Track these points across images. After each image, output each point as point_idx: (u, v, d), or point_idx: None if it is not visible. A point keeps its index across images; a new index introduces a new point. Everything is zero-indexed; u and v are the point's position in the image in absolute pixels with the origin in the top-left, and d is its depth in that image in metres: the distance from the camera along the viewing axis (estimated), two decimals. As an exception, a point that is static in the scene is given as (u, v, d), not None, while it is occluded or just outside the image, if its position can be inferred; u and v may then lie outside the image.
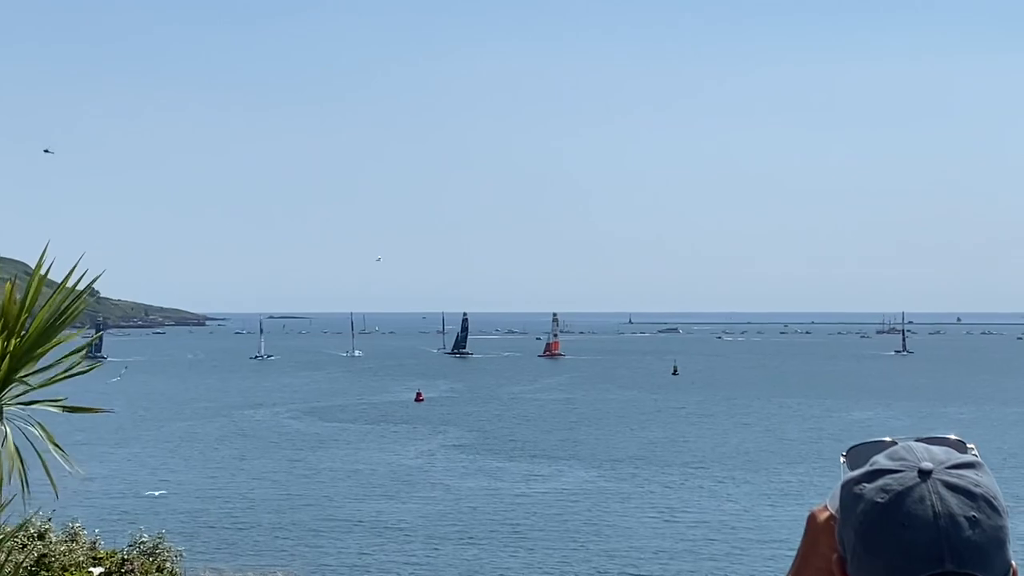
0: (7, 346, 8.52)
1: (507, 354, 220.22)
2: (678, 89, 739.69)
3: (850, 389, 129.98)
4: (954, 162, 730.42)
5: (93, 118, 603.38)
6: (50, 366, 8.86)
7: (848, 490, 2.20)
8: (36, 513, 15.51)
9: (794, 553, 2.38)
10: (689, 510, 54.58)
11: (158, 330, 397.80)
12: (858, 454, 2.30)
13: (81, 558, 18.27)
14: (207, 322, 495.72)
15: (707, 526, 50.67)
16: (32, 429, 8.70)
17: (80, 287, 9.10)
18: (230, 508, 55.01)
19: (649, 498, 58.16)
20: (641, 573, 42.55)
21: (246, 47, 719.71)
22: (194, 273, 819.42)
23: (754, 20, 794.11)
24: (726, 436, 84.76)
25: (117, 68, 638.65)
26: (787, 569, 2.37)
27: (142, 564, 19.18)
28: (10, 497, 8.58)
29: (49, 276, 9.10)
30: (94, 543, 20.01)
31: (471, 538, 48.26)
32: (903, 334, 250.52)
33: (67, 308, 8.88)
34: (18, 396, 8.69)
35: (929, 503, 2.09)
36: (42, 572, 17.10)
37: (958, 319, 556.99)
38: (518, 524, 51.13)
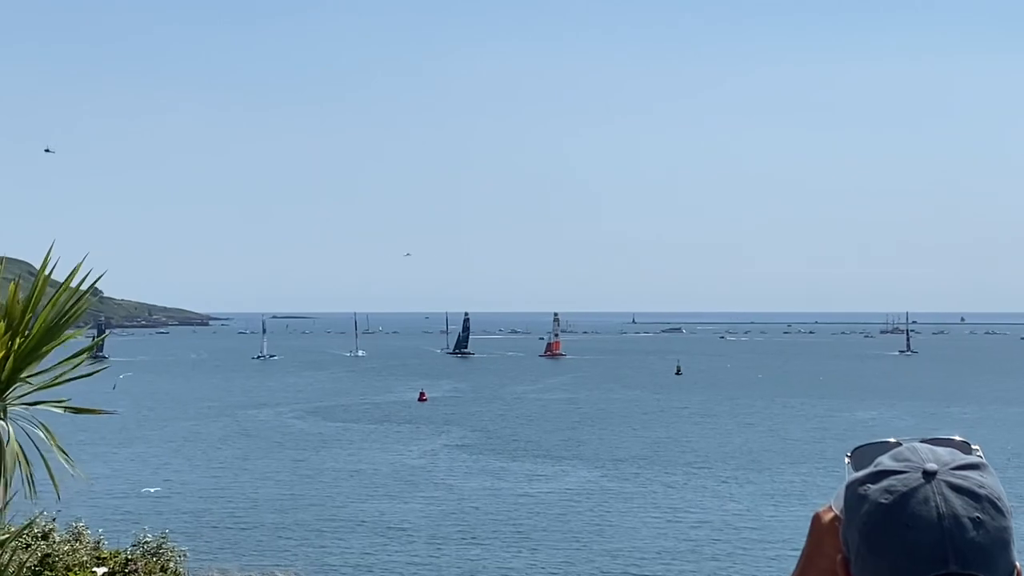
0: (11, 346, 8.53)
1: (510, 354, 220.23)
2: (678, 89, 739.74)
3: (854, 389, 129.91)
4: (954, 162, 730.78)
5: (93, 118, 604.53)
6: (54, 366, 8.87)
7: (852, 491, 2.20)
8: (41, 513, 15.54)
9: (798, 553, 2.38)
10: (692, 510, 54.56)
11: (162, 330, 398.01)
12: (863, 455, 2.30)
13: (85, 558, 18.28)
14: (210, 322, 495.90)
15: (710, 526, 50.65)
16: (36, 430, 8.71)
17: (84, 287, 9.11)
18: (234, 508, 55.04)
19: (652, 498, 58.15)
20: (644, 573, 42.54)
21: (246, 47, 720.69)
22: (197, 273, 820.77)
23: (754, 20, 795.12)
24: (729, 436, 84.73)
25: (117, 68, 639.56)
26: (791, 570, 2.37)
27: (146, 564, 19.19)
28: (12, 497, 8.58)
29: (53, 276, 9.11)
30: (98, 543, 20.01)
31: (474, 538, 48.26)
32: (907, 334, 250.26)
33: (71, 308, 8.88)
34: (22, 396, 8.70)
35: (933, 504, 2.09)
36: (46, 572, 17.11)
37: (962, 319, 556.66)
38: (521, 524, 51.13)
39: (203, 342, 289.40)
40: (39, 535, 18.11)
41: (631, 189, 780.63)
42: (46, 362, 8.85)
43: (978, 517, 2.08)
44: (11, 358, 8.46)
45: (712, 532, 49.46)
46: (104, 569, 17.94)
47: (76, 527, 19.87)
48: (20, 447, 8.54)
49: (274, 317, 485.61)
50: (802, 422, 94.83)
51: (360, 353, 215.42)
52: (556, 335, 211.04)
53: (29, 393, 8.73)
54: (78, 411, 9.06)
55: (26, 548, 16.71)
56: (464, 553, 45.49)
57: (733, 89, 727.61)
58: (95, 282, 9.27)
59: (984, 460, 2.20)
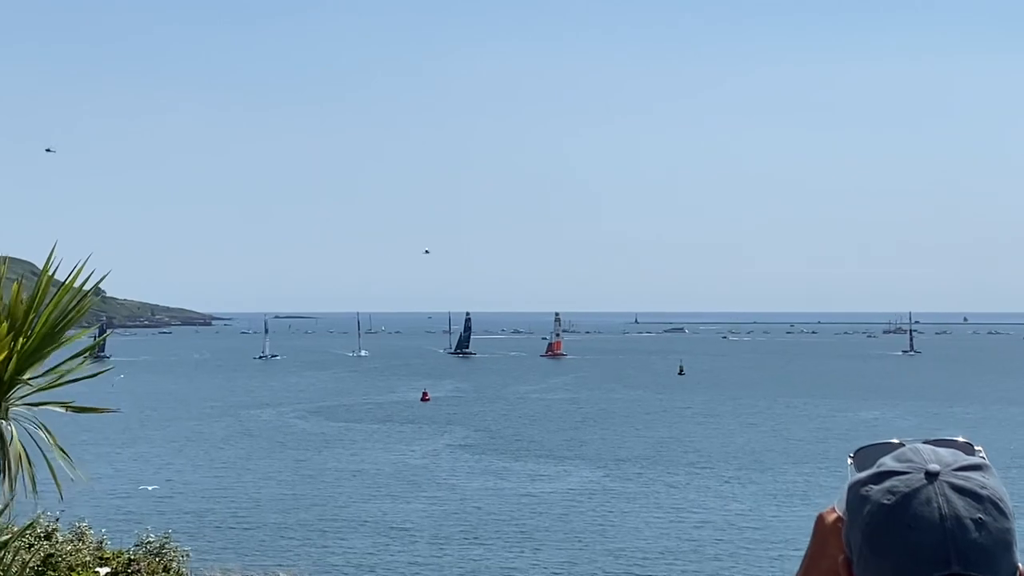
0: (14, 346, 8.54)
1: (513, 354, 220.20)
2: (678, 89, 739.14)
3: (858, 389, 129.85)
4: (955, 162, 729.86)
5: (93, 118, 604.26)
6: (56, 366, 8.87)
7: (855, 492, 2.20)
8: (43, 513, 15.55)
9: (800, 553, 2.38)
10: (695, 510, 54.55)
11: (164, 330, 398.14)
12: (865, 456, 2.31)
13: (88, 558, 18.28)
14: (213, 322, 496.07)
15: (713, 526, 50.64)
16: (38, 430, 8.72)
17: (87, 287, 9.11)
18: (236, 508, 55.06)
19: (655, 498, 58.14)
20: (647, 573, 42.53)
21: (246, 47, 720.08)
22: (200, 273, 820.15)
23: (754, 20, 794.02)
24: (732, 436, 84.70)
25: (117, 68, 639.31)
26: (793, 570, 2.37)
27: (148, 564, 19.20)
28: (15, 496, 8.59)
29: (56, 276, 9.12)
30: (100, 543, 20.01)
31: (476, 538, 48.27)
32: (911, 334, 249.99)
33: (73, 308, 8.89)
34: (25, 396, 8.70)
35: (936, 505, 2.09)
36: (49, 572, 17.12)
37: (965, 319, 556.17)
38: (524, 524, 51.14)
39: (206, 342, 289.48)
40: (42, 535, 18.12)
41: (631, 189, 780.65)
42: (49, 362, 8.85)
43: (980, 518, 2.08)
44: (14, 358, 8.47)
45: (715, 532, 49.45)
46: (107, 569, 17.94)
47: (79, 527, 19.86)
48: (23, 447, 8.55)
49: (276, 317, 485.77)
50: (805, 422, 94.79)
51: (363, 353, 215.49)
52: (557, 335, 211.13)
53: (32, 393, 8.73)
54: (81, 410, 9.06)
55: (29, 548, 16.72)
56: (467, 553, 45.50)
57: (733, 89, 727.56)
58: (98, 282, 9.28)
59: (987, 461, 2.20)
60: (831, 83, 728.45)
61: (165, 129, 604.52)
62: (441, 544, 47.01)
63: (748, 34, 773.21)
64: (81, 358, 9.00)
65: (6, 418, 8.54)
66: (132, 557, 19.50)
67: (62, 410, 8.82)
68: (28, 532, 14.47)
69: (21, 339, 8.56)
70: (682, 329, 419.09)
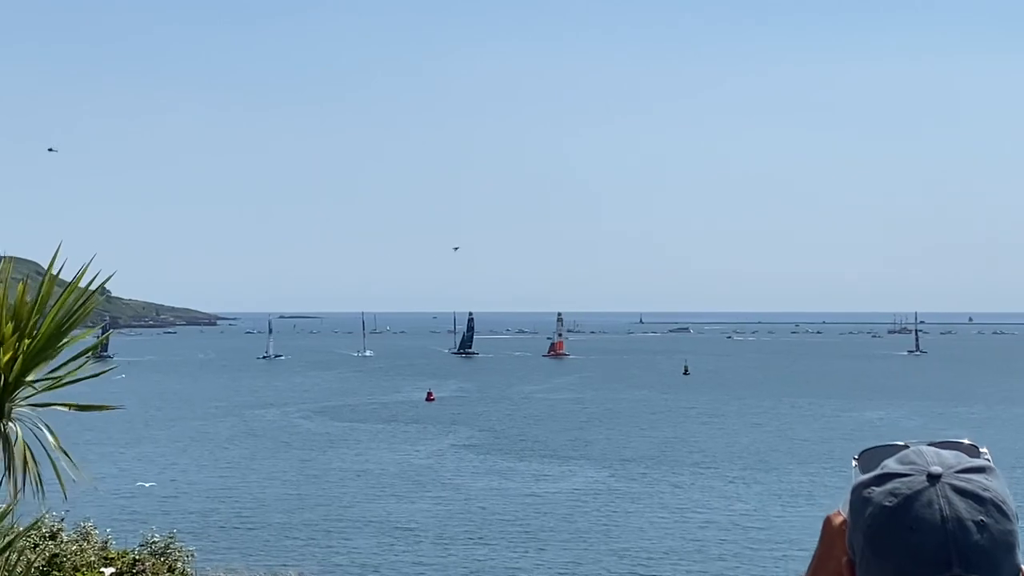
0: (19, 347, 8.55)
1: (517, 354, 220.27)
2: (678, 89, 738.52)
3: (863, 389, 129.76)
4: (955, 162, 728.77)
5: (93, 118, 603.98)
6: (60, 367, 8.88)
7: (857, 494, 2.20)
8: (48, 513, 15.56)
9: (805, 554, 2.38)
10: (699, 510, 54.53)
11: (169, 330, 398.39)
12: (870, 458, 2.31)
13: (93, 558, 18.30)
14: (218, 322, 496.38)
15: (717, 526, 50.63)
16: (43, 431, 8.73)
17: (92, 287, 9.12)
18: (241, 508, 55.10)
19: (659, 498, 58.12)
20: (651, 573, 42.53)
21: (246, 47, 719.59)
22: (205, 273, 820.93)
23: (754, 20, 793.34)
24: (737, 436, 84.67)
25: (117, 68, 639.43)
26: (798, 570, 2.38)
27: (153, 564, 19.22)
28: (18, 497, 8.60)
29: (60, 276, 9.13)
30: (105, 543, 20.04)
31: (481, 538, 48.28)
32: (916, 334, 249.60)
33: (78, 308, 8.90)
34: (29, 397, 8.72)
35: (937, 507, 2.09)
36: (54, 572, 17.14)
37: (970, 319, 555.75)
38: (528, 524, 51.14)
39: (210, 342, 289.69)
40: (47, 535, 18.14)
41: (631, 189, 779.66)
42: (53, 363, 8.87)
43: (982, 520, 2.08)
44: (19, 359, 8.48)
45: (719, 532, 49.44)
46: (112, 569, 17.97)
47: (84, 527, 19.89)
48: (28, 448, 8.56)
49: (281, 317, 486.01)
50: (809, 422, 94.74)
51: (367, 353, 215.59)
52: (560, 335, 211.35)
53: (37, 394, 8.75)
54: (85, 408, 9.08)
55: (34, 548, 16.74)
56: (471, 553, 45.51)
57: (733, 89, 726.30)
58: (103, 283, 9.29)
59: (991, 463, 2.20)
60: (831, 83, 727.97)
61: (165, 129, 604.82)
62: (446, 544, 47.03)
63: (748, 34, 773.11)
64: (84, 358, 9.00)
65: (11, 419, 8.55)
66: (137, 557, 19.54)
67: (67, 410, 8.83)
68: (33, 532, 14.50)
69: (26, 340, 8.57)
70: (687, 329, 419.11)
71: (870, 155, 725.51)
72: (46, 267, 9.17)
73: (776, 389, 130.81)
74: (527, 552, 45.65)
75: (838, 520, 2.30)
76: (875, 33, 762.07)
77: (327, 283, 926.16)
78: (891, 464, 2.20)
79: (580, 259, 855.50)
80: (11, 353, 8.50)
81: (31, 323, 8.67)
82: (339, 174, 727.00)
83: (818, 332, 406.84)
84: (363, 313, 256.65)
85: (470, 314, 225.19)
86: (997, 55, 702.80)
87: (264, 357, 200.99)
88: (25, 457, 8.52)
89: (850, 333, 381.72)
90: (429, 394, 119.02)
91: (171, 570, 19.72)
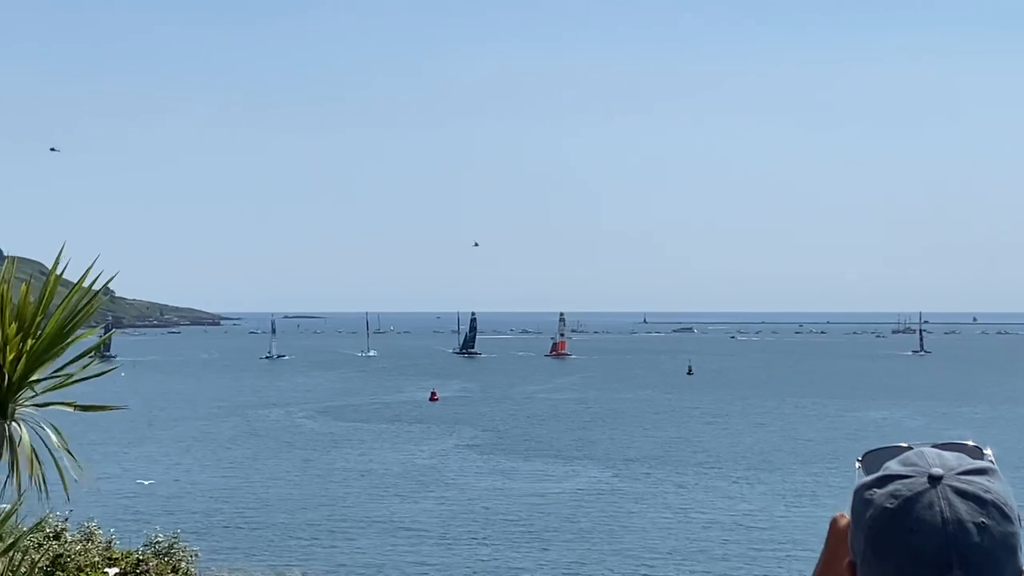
0: (23, 347, 8.55)
1: (520, 354, 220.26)
2: (678, 89, 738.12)
3: (868, 389, 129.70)
4: (955, 162, 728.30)
5: (93, 118, 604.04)
6: (63, 367, 8.89)
7: (859, 496, 2.20)
8: (52, 513, 15.58)
9: (809, 554, 2.39)
10: (703, 510, 54.50)
11: (173, 330, 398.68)
12: (873, 459, 2.31)
13: (96, 558, 18.31)
14: (222, 322, 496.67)
15: (721, 526, 50.60)
16: (46, 430, 8.73)
17: (95, 287, 9.13)
18: (244, 508, 55.13)
19: (663, 498, 58.11)
20: (655, 574, 42.51)
21: (246, 47, 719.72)
22: (209, 273, 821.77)
23: (754, 20, 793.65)
24: (741, 436, 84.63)
25: (117, 68, 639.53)
26: (802, 570, 2.38)
27: (157, 564, 19.23)
28: (24, 498, 8.61)
29: (64, 276, 9.13)
30: (109, 543, 20.05)
31: (485, 538, 48.27)
32: (920, 334, 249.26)
33: (82, 309, 8.90)
34: (33, 397, 8.72)
35: (938, 509, 2.09)
36: (58, 572, 17.16)
37: (974, 319, 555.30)
38: (532, 524, 51.14)
39: (214, 342, 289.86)
40: (51, 535, 18.15)
41: (631, 189, 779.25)
42: (57, 363, 8.87)
43: (983, 522, 2.08)
44: (23, 359, 8.49)
45: (723, 532, 49.41)
46: (116, 570, 17.97)
47: (88, 527, 19.91)
48: (32, 448, 8.56)
49: (285, 317, 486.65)
50: (813, 422, 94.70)
51: (371, 353, 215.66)
52: (562, 335, 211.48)
53: (41, 394, 8.75)
54: (89, 408, 9.08)
55: (38, 548, 16.75)
56: (474, 553, 45.52)
57: (733, 89, 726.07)
58: (107, 283, 9.29)
59: (994, 465, 2.20)
60: (831, 83, 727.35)
61: (165, 129, 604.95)
62: (449, 544, 47.03)
63: (748, 34, 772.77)
64: (87, 358, 9.01)
65: (15, 419, 8.55)
66: (141, 557, 19.54)
67: (70, 410, 8.83)
68: (36, 532, 14.50)
69: (30, 340, 8.58)
70: (691, 329, 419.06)
71: (870, 155, 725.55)
72: (50, 267, 9.18)
73: (780, 389, 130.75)
74: (530, 552, 45.65)
75: (844, 522, 2.30)
76: (875, 33, 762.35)
77: (329, 283, 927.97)
78: (893, 466, 2.20)
79: (580, 259, 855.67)
80: (15, 353, 8.51)
81: (35, 323, 8.68)
82: (339, 174, 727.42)
83: (822, 332, 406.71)
84: (367, 313, 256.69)
85: (472, 314, 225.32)
86: (997, 55, 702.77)
87: (267, 357, 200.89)
88: (29, 457, 8.52)
89: (854, 333, 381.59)
90: (433, 394, 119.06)
91: (175, 570, 19.72)
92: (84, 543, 18.96)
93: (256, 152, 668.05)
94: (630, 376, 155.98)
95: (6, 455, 8.47)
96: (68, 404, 8.83)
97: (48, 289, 8.88)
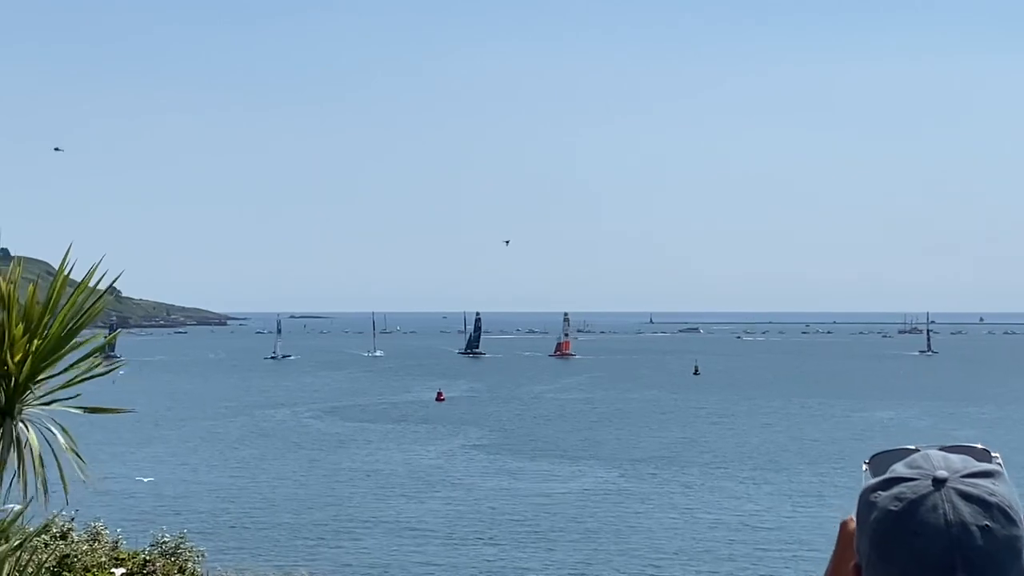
0: (29, 347, 8.56)
1: (527, 354, 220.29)
2: (678, 89, 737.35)
3: (875, 389, 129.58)
4: (955, 162, 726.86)
5: (94, 118, 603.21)
6: (69, 367, 8.89)
7: (864, 498, 2.20)
8: (58, 514, 15.59)
9: (814, 554, 2.40)
10: (710, 510, 54.48)
11: (180, 330, 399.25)
12: (880, 462, 2.31)
13: (103, 559, 18.33)
14: (228, 322, 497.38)
15: (727, 527, 50.57)
16: (52, 431, 8.74)
17: (101, 287, 9.13)
18: (251, 508, 55.18)
19: (669, 498, 58.09)
20: (661, 574, 42.50)
21: (246, 47, 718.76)
22: (216, 273, 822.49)
23: (754, 20, 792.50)
24: (747, 436, 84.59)
25: (117, 68, 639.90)
26: (808, 570, 2.38)
27: (164, 565, 19.25)
28: (32, 498, 8.62)
29: (71, 277, 9.14)
30: (116, 543, 20.07)
31: (491, 538, 48.29)
32: (928, 334, 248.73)
33: (88, 309, 8.91)
34: (40, 397, 8.73)
35: (942, 512, 2.09)
36: (65, 572, 17.18)
37: (981, 319, 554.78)
38: (538, 524, 51.14)
39: (220, 342, 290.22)
40: (58, 535, 18.17)
41: (631, 189, 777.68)
42: (63, 363, 8.88)
43: (987, 525, 2.08)
44: (29, 360, 8.49)
45: (729, 532, 49.39)
46: (122, 570, 17.99)
47: (95, 527, 19.93)
48: (38, 449, 8.57)
49: (292, 317, 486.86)
50: (819, 422, 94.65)
51: (378, 353, 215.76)
52: (566, 335, 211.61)
53: (47, 395, 8.76)
54: (96, 411, 9.08)
55: (45, 547, 16.77)
56: (481, 553, 45.53)
57: (733, 89, 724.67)
58: (112, 283, 9.30)
59: (1001, 468, 2.20)
60: (831, 83, 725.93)
61: (165, 129, 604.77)
62: (456, 544, 47.05)
63: (748, 34, 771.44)
64: (92, 359, 9.01)
65: (21, 420, 8.56)
66: (147, 558, 19.55)
67: (77, 411, 8.84)
68: (44, 533, 14.52)
69: (36, 340, 8.59)
70: (697, 329, 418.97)
71: (870, 155, 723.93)
72: (56, 267, 9.18)
73: (786, 389, 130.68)
74: (537, 552, 45.65)
75: (853, 525, 2.30)
76: (875, 33, 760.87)
77: (329, 283, 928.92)
78: (898, 468, 2.20)
79: (580, 259, 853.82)
80: (21, 354, 8.51)
81: (42, 324, 8.69)
82: (339, 174, 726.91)
83: (828, 332, 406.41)
84: (373, 313, 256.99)
85: (477, 314, 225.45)
86: (997, 55, 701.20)
87: (272, 357, 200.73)
88: (35, 458, 8.53)
89: (860, 333, 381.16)
90: (439, 394, 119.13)
91: (181, 571, 19.74)
92: (91, 543, 18.98)
93: (256, 152, 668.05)
94: (636, 376, 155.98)
95: (13, 456, 8.48)
96: (76, 407, 8.84)
97: (55, 289, 8.89)
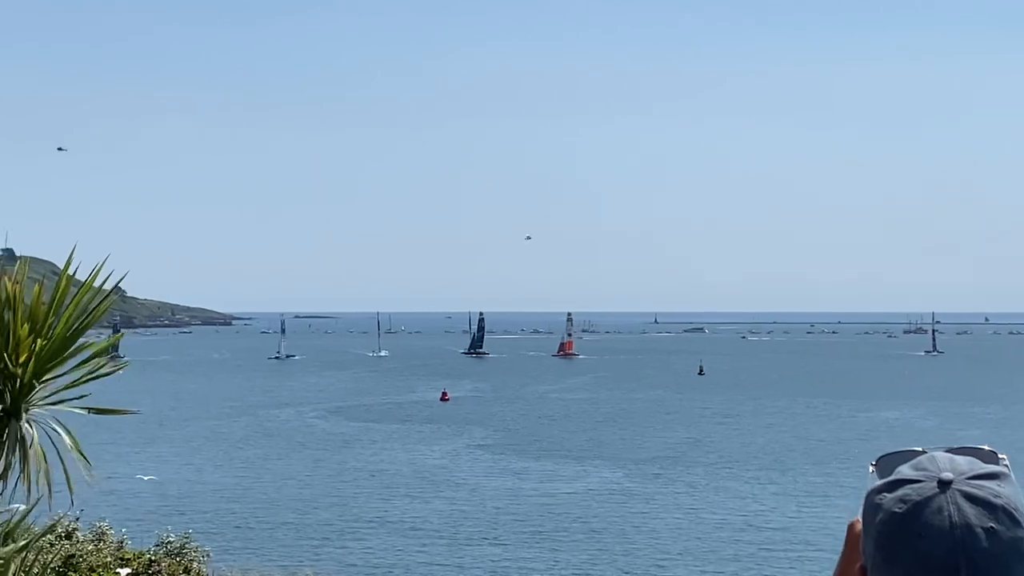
0: (34, 347, 8.57)
1: (532, 354, 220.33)
2: (678, 89, 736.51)
3: (880, 389, 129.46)
4: (955, 162, 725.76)
5: (94, 118, 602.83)
6: (74, 368, 8.90)
7: (870, 500, 2.20)
8: (65, 514, 15.60)
9: (820, 554, 2.40)
10: (714, 511, 54.46)
11: (184, 330, 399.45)
12: (887, 463, 2.30)
13: (108, 559, 18.33)
14: (233, 322, 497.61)
15: (732, 527, 50.54)
16: (57, 431, 8.75)
17: (106, 287, 9.14)
18: (256, 507, 55.22)
19: (674, 498, 58.07)
20: (666, 574, 42.48)
21: (246, 47, 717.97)
22: (220, 273, 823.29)
23: (754, 20, 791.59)
24: (752, 436, 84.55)
25: (117, 68, 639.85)
26: (813, 571, 2.38)
27: (169, 565, 19.25)
28: (39, 499, 8.63)
29: (76, 277, 9.15)
30: (121, 543, 20.07)
31: (496, 538, 48.30)
32: (933, 334, 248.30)
33: (93, 309, 8.91)
34: (45, 398, 8.74)
35: (946, 513, 2.09)
36: (70, 572, 17.18)
37: (986, 319, 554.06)
38: (543, 524, 51.14)
39: (225, 342, 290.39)
40: (62, 535, 18.18)
41: (631, 189, 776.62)
42: (68, 363, 8.88)
43: (992, 527, 2.07)
44: (33, 360, 8.50)
45: (734, 533, 49.36)
46: (128, 570, 18.00)
47: (99, 527, 19.94)
48: (42, 449, 8.58)
49: (296, 317, 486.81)
50: (825, 422, 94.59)
51: (382, 353, 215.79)
52: (570, 335, 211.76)
53: (51, 395, 8.77)
54: (101, 411, 9.09)
55: (50, 548, 16.78)
56: (485, 553, 45.54)
57: (733, 89, 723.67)
58: (117, 283, 9.31)
59: (1008, 470, 2.19)
60: (831, 83, 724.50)
61: (165, 129, 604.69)
62: (460, 544, 47.06)
63: (748, 34, 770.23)
64: (97, 360, 9.01)
65: (26, 420, 8.57)
66: (153, 558, 19.56)
67: (82, 411, 8.85)
68: (49, 533, 14.53)
69: (41, 341, 8.59)
70: (702, 329, 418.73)
71: (870, 155, 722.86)
72: (61, 267, 9.19)
73: (791, 389, 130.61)
74: (541, 552, 45.65)
75: (860, 526, 2.30)
76: (875, 33, 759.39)
77: (331, 283, 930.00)
78: (904, 470, 2.20)
79: (580, 259, 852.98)
80: (27, 354, 8.52)
81: (47, 324, 8.69)
82: (339, 174, 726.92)
83: (833, 332, 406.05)
84: (378, 313, 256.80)
85: (480, 314, 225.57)
86: (997, 55, 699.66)
87: (275, 357, 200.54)
88: (40, 458, 8.54)
89: (866, 333, 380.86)
90: (444, 394, 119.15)
91: (187, 571, 19.74)
92: (96, 543, 18.99)
93: (256, 152, 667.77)
94: (641, 376, 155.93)
95: (18, 456, 8.49)
96: (82, 408, 8.84)
97: (60, 290, 8.89)
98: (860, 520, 2.28)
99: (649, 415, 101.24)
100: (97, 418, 9.24)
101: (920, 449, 2.30)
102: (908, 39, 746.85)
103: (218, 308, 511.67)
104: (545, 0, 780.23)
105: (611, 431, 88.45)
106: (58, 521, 14.16)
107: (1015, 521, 2.10)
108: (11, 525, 8.95)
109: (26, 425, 8.56)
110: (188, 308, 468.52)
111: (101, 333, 9.38)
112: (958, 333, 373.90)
